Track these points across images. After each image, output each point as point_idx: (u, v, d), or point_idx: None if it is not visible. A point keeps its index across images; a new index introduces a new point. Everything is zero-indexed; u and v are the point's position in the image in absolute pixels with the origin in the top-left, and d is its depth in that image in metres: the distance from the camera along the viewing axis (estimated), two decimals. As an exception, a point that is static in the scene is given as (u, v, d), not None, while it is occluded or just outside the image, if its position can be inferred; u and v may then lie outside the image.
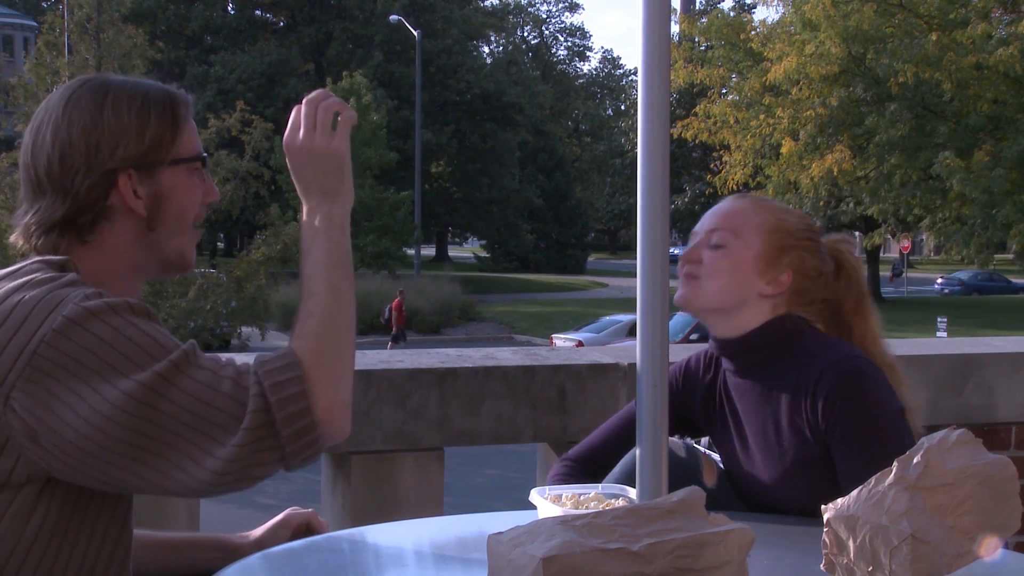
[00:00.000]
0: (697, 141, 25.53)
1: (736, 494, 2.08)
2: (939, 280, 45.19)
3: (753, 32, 24.03)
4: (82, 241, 1.51)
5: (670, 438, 1.99)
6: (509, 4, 68.37)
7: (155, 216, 1.53)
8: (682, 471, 1.91)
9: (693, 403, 2.13)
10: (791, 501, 1.94)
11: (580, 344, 21.23)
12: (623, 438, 2.06)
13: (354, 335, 1.49)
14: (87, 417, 1.33)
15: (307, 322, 1.46)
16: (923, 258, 64.18)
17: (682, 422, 2.14)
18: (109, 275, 1.53)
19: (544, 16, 73.77)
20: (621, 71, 76.31)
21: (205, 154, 1.61)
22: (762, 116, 22.96)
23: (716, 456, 2.13)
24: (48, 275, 1.43)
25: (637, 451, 1.65)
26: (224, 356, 1.42)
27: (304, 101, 1.56)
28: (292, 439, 1.37)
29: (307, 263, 1.50)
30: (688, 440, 2.05)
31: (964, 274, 42.82)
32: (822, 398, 1.88)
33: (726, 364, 2.06)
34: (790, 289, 1.98)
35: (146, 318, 1.40)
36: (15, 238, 1.54)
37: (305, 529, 1.87)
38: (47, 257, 1.49)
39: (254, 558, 1.71)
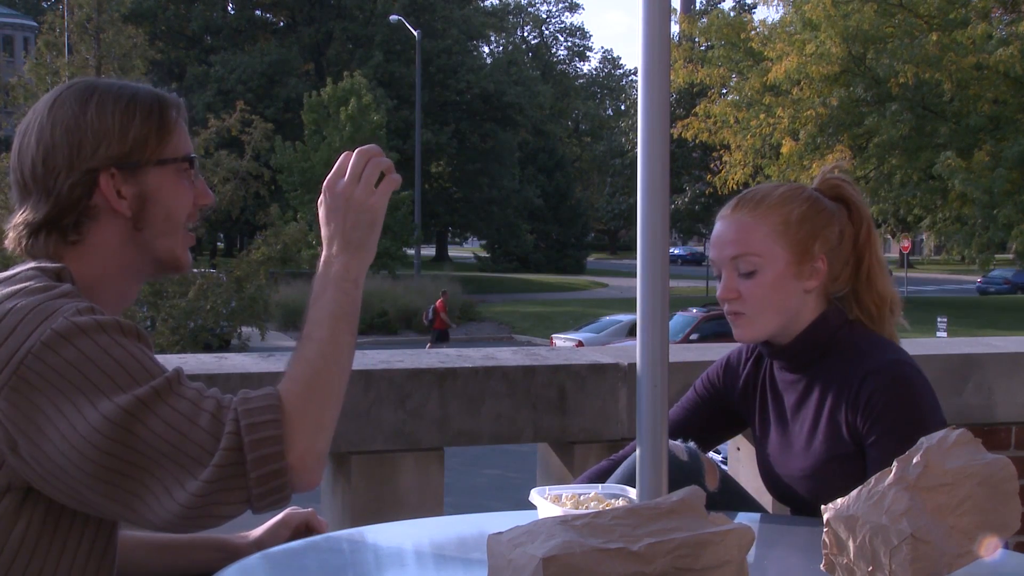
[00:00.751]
0: (697, 141, 25.53)
1: (766, 484, 2.11)
2: (979, 280, 44.03)
3: (753, 32, 24.02)
4: (68, 242, 1.51)
5: (673, 441, 2.00)
6: (509, 4, 68.37)
7: (141, 216, 1.52)
8: (684, 474, 1.91)
9: (733, 396, 2.16)
10: (817, 494, 1.95)
11: (580, 344, 21.23)
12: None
13: (344, 389, 1.47)
14: (66, 434, 1.32)
15: (300, 367, 1.45)
16: (923, 258, 64.23)
17: (726, 413, 2.18)
18: (102, 278, 1.52)
19: (544, 16, 73.79)
20: (621, 71, 76.34)
21: (194, 155, 1.60)
22: (762, 116, 22.96)
23: (718, 458, 2.14)
24: (42, 284, 1.42)
25: (637, 451, 1.65)
26: (210, 389, 1.40)
27: (356, 152, 1.57)
28: (260, 482, 1.35)
29: (314, 308, 1.50)
30: (690, 444, 2.05)
31: (1008, 272, 41.55)
32: (866, 397, 1.88)
33: (776, 362, 2.07)
34: (829, 271, 1.99)
35: (135, 339, 1.39)
36: (9, 242, 1.54)
37: (305, 529, 1.87)
38: (43, 264, 1.48)
39: (254, 558, 1.70)
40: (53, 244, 1.50)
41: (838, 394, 1.93)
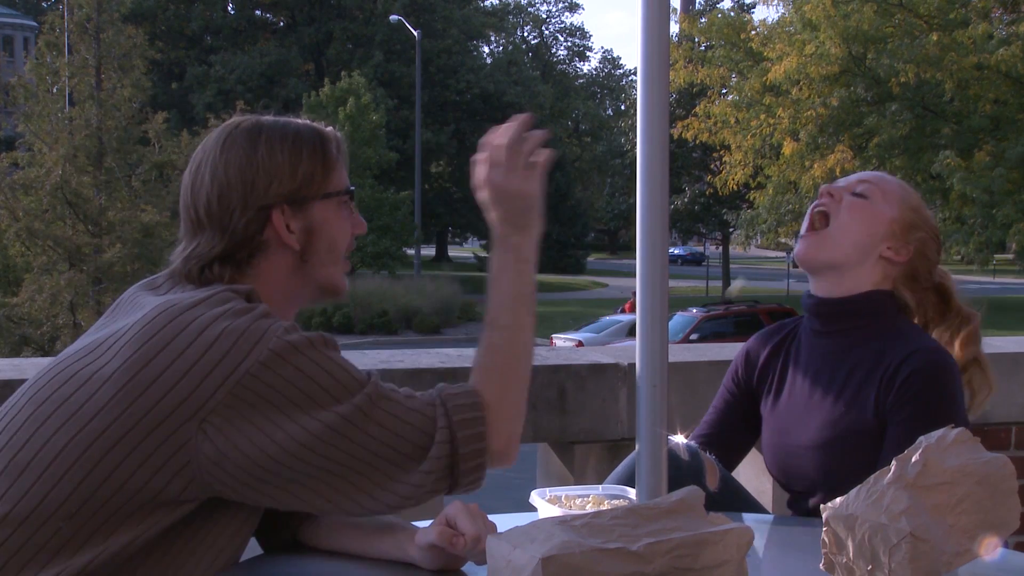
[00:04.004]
0: (697, 141, 25.47)
1: (769, 461, 2.12)
2: None
3: (753, 32, 23.97)
4: (241, 273, 1.58)
5: (674, 440, 2.01)
6: (509, 4, 68.33)
7: (308, 248, 1.60)
8: (685, 473, 1.91)
9: (752, 381, 2.18)
10: (825, 469, 1.96)
11: (580, 344, 21.22)
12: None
13: (530, 369, 1.59)
14: (283, 444, 1.40)
15: (491, 356, 1.57)
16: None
17: (755, 406, 2.19)
18: (268, 305, 1.57)
19: (544, 16, 73.70)
20: (621, 71, 76.20)
21: (353, 188, 1.67)
22: (762, 116, 22.91)
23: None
24: (244, 305, 1.48)
25: (637, 451, 1.65)
26: (403, 388, 1.50)
27: (508, 144, 1.64)
28: (467, 473, 1.50)
29: (494, 292, 1.64)
30: (691, 442, 2.05)
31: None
32: (903, 376, 1.90)
33: (811, 322, 2.08)
34: (907, 264, 2.03)
35: (335, 351, 1.48)
36: (178, 272, 1.59)
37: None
38: (235, 286, 1.53)
39: (253, 559, 1.70)
40: (228, 274, 1.57)
41: (872, 369, 1.95)
